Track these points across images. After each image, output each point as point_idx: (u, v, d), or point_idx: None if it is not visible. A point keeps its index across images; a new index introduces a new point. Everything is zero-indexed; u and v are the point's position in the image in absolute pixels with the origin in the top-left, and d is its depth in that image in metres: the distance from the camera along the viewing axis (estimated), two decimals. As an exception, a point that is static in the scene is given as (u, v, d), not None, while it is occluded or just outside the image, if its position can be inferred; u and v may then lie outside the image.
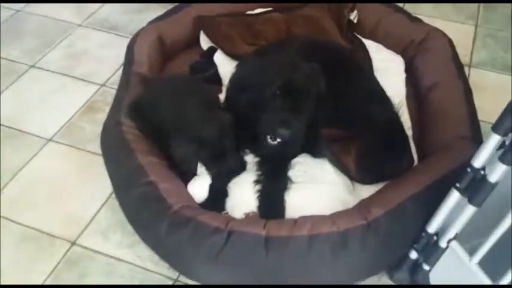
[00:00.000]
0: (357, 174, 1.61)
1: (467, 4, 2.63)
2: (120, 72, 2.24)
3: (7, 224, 1.69)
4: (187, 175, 1.63)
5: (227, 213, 1.55)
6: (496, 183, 1.17)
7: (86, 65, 2.32)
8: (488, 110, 1.79)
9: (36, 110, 2.10)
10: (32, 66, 2.30)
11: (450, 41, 2.02)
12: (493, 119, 1.76)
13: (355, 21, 2.18)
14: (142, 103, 1.68)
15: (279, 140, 1.54)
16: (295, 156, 1.67)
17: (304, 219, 1.39)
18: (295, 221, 1.39)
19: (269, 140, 1.55)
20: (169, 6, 2.53)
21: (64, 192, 1.79)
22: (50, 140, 1.97)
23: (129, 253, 1.61)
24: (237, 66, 1.80)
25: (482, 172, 1.19)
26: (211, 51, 2.06)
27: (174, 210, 1.42)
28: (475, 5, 2.63)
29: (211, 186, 1.60)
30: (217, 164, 1.58)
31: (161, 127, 1.61)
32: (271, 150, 1.60)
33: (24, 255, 1.61)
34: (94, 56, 2.37)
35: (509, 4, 2.60)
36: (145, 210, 1.47)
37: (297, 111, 1.52)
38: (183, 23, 2.13)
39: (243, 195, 1.57)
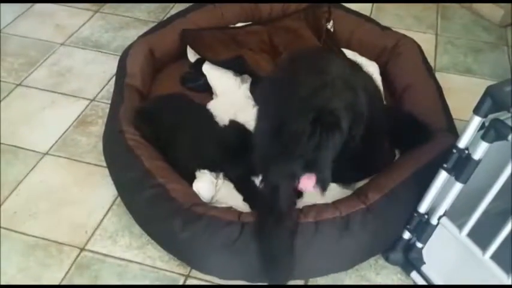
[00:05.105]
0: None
1: (427, 15, 2.87)
2: (108, 87, 2.33)
3: (10, 234, 1.71)
4: (189, 177, 1.73)
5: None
6: (480, 160, 1.33)
7: (73, 81, 2.36)
8: (455, 108, 1.99)
9: (28, 126, 2.12)
10: (19, 85, 2.33)
11: (419, 47, 2.21)
12: (460, 115, 2.00)
13: (331, 30, 2.35)
14: (148, 112, 1.79)
15: None
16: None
17: (309, 207, 1.51)
18: (301, 210, 1.50)
19: None
20: (150, 23, 2.67)
21: (66, 202, 1.82)
22: (46, 153, 2.00)
23: (138, 254, 1.66)
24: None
25: (466, 151, 1.36)
26: (200, 62, 2.17)
27: (186, 208, 1.51)
28: (434, 16, 2.87)
29: (243, 189, 1.69)
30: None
31: (166, 135, 1.75)
32: None
33: (32, 263, 1.64)
34: (80, 73, 2.42)
35: (464, 14, 2.87)
36: (158, 210, 1.54)
37: None
38: (171, 36, 2.23)
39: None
